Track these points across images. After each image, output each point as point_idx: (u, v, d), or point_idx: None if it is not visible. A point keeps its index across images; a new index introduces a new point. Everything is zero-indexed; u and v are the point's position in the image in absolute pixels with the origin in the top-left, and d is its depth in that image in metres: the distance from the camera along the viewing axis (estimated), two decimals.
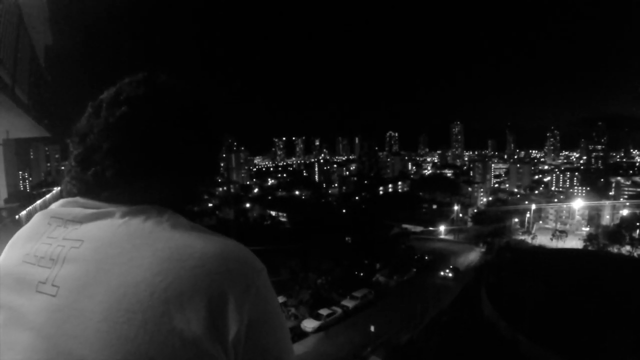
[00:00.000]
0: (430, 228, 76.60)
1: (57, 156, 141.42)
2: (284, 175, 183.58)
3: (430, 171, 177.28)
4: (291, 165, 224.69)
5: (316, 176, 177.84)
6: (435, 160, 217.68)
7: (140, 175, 0.74)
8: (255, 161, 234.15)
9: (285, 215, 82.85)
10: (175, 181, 0.79)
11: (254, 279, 0.66)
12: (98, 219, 0.68)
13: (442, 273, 42.50)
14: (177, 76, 0.81)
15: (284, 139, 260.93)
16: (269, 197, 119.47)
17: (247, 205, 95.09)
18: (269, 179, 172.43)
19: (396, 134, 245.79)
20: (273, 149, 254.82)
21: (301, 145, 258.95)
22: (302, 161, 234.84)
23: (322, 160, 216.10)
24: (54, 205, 0.77)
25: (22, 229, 0.78)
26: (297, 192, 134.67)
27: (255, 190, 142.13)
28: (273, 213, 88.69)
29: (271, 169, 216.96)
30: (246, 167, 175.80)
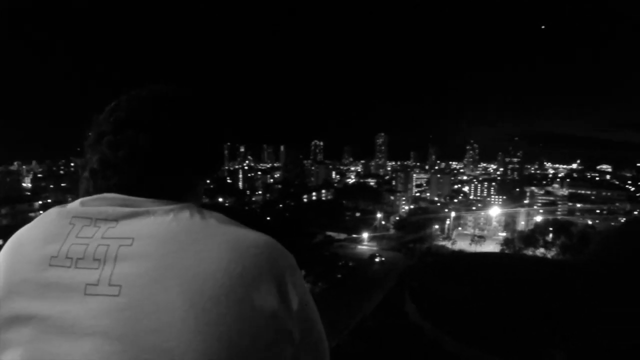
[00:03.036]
0: (354, 235, 76.88)
1: None
2: (207, 182, 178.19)
3: (354, 180, 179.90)
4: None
5: (240, 183, 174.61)
6: (359, 170, 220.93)
7: (159, 173, 0.77)
8: None
9: None
10: (189, 176, 0.83)
11: (294, 264, 0.72)
12: (136, 216, 0.69)
13: (376, 260, 53.74)
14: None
15: None
16: None
17: None
18: None
19: (321, 143, 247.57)
20: None
21: (225, 152, 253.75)
22: (226, 168, 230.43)
23: (246, 168, 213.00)
24: (70, 205, 0.75)
25: (25, 232, 0.74)
26: (220, 199, 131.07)
27: None
28: None
29: None
30: None
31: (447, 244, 77.53)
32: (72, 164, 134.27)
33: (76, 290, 0.62)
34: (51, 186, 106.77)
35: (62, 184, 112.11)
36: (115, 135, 0.77)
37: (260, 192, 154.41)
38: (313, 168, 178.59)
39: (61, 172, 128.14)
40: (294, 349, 0.67)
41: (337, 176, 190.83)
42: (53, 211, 0.74)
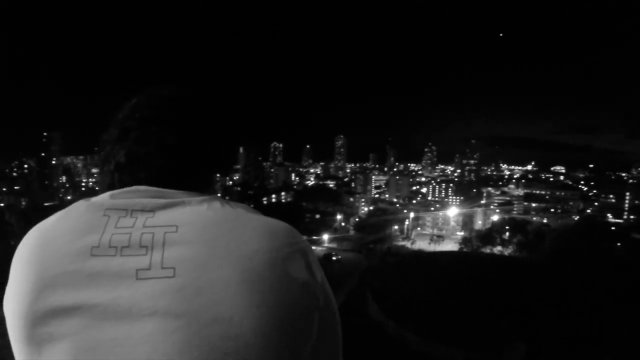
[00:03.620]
0: (314, 237, 76.75)
1: None
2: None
3: (313, 182, 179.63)
4: None
5: None
6: (319, 172, 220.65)
7: (184, 167, 0.83)
8: None
9: None
10: (209, 171, 0.90)
11: (309, 244, 0.79)
12: (173, 207, 0.74)
13: (333, 259, 56.99)
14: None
15: None
16: None
17: None
18: None
19: (280, 145, 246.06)
20: None
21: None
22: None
23: None
24: (98, 198, 0.77)
25: (51, 225, 0.76)
26: None
27: None
28: None
29: None
30: None
31: (407, 243, 78.48)
32: (25, 166, 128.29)
33: (126, 276, 0.66)
34: (4, 189, 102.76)
35: (15, 187, 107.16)
36: (142, 131, 0.82)
37: (219, 195, 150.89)
38: (272, 170, 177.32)
39: (14, 174, 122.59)
40: (320, 315, 0.74)
41: (297, 178, 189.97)
42: (81, 204, 0.77)
